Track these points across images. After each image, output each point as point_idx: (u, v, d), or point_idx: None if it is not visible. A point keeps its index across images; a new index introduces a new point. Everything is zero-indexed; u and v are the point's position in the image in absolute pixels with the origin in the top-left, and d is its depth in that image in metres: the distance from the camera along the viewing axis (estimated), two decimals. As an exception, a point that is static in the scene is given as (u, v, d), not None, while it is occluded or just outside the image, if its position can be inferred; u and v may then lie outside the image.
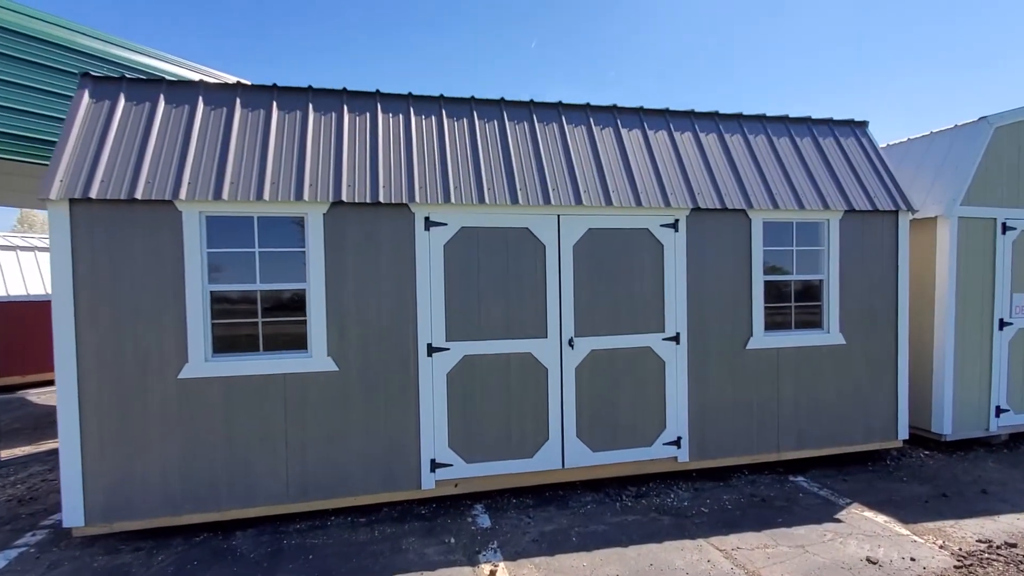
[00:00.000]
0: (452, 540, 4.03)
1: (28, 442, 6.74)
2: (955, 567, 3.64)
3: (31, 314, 9.74)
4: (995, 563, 3.70)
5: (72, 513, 3.88)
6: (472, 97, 4.92)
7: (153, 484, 4.00)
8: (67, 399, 3.86)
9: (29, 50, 5.08)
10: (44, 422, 7.68)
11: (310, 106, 4.56)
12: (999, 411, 5.90)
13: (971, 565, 3.67)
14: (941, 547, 3.90)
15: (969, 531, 4.14)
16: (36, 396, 9.36)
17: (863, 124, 5.77)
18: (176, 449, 4.03)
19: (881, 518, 4.34)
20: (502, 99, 4.98)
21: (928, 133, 6.15)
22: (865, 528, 4.17)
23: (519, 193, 4.51)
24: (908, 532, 4.11)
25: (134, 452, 3.97)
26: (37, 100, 5.13)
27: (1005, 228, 5.77)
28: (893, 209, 5.26)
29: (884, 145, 6.71)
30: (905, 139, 6.45)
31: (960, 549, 3.87)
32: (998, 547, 3.91)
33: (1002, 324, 5.85)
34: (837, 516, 4.37)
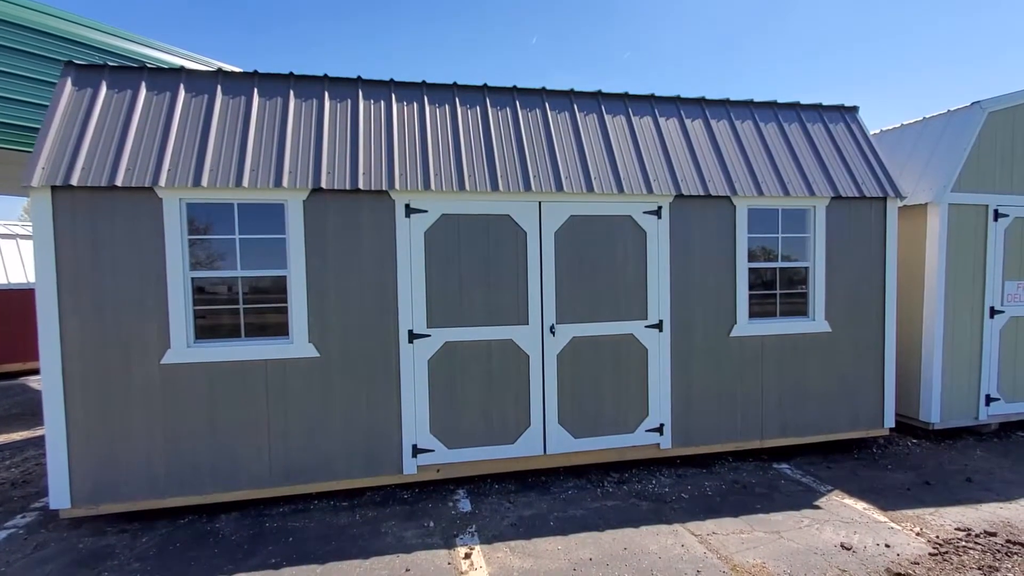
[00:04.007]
0: (431, 524, 4.08)
1: (25, 427, 6.86)
2: (930, 554, 3.64)
3: (32, 301, 9.84)
4: (971, 551, 3.69)
5: (59, 495, 3.96)
6: (455, 83, 4.91)
7: (138, 467, 4.07)
8: (52, 383, 3.93)
9: (15, 38, 5.10)
10: (42, 408, 7.79)
11: (291, 93, 4.56)
12: (989, 400, 5.86)
13: (946, 552, 3.67)
14: (918, 534, 3.90)
15: (949, 519, 4.13)
16: (36, 382, 9.50)
17: (853, 109, 5.70)
18: (160, 433, 4.09)
19: (861, 505, 4.34)
20: (484, 85, 4.96)
21: (921, 119, 6.07)
22: (843, 515, 4.17)
23: (500, 180, 4.51)
24: (886, 519, 4.11)
25: (119, 436, 4.03)
26: (23, 88, 5.16)
27: (997, 215, 5.70)
28: (881, 196, 5.21)
29: (877, 131, 6.63)
30: (899, 125, 6.37)
31: (937, 536, 3.87)
32: (977, 535, 3.90)
33: (993, 312, 5.80)
34: (816, 503, 4.38)
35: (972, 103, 5.59)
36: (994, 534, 3.91)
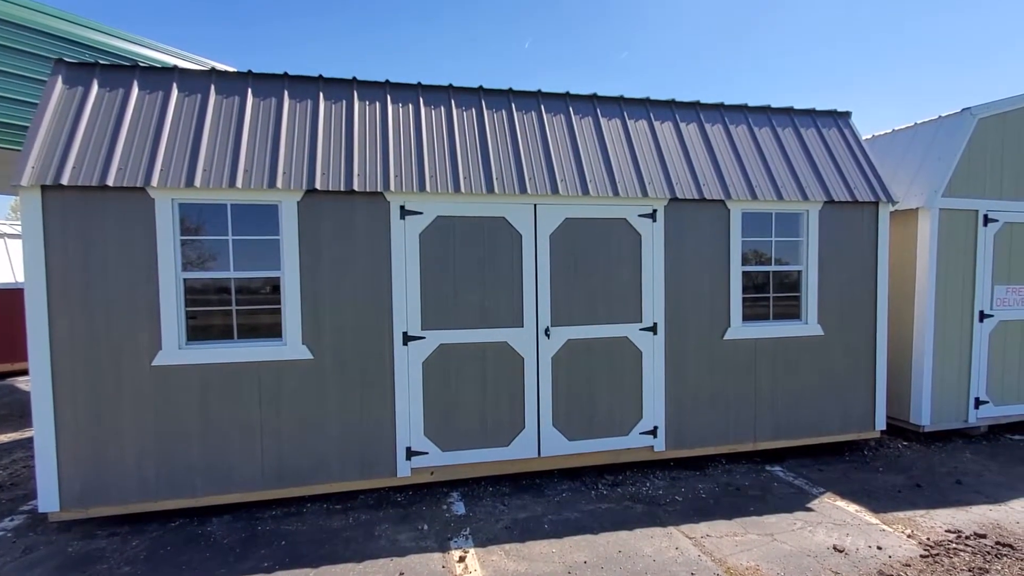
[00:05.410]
0: (425, 527, 4.06)
1: (13, 429, 6.78)
2: (921, 556, 3.67)
3: (20, 302, 9.72)
4: (962, 553, 3.72)
5: (47, 498, 3.91)
6: (450, 85, 4.90)
7: (128, 470, 4.02)
8: (41, 384, 3.88)
9: (5, 35, 5.04)
10: (30, 409, 7.71)
11: (285, 93, 4.53)
12: (978, 403, 5.92)
13: (937, 555, 3.69)
14: (909, 536, 3.93)
15: (939, 521, 4.17)
16: (24, 383, 9.38)
17: (846, 115, 5.75)
18: (151, 435, 4.05)
19: (853, 507, 4.37)
20: (480, 87, 4.95)
21: (912, 124, 6.13)
22: (835, 517, 4.20)
23: (495, 182, 4.50)
24: (878, 521, 4.14)
25: (109, 438, 3.99)
26: (12, 86, 5.10)
27: (987, 220, 5.76)
28: (873, 200, 5.25)
29: (869, 136, 6.69)
30: (890, 130, 6.43)
31: (928, 539, 3.90)
32: (967, 537, 3.93)
33: (982, 316, 5.86)
34: (809, 505, 4.40)
35: (963, 109, 5.65)
36: (984, 536, 3.94)
